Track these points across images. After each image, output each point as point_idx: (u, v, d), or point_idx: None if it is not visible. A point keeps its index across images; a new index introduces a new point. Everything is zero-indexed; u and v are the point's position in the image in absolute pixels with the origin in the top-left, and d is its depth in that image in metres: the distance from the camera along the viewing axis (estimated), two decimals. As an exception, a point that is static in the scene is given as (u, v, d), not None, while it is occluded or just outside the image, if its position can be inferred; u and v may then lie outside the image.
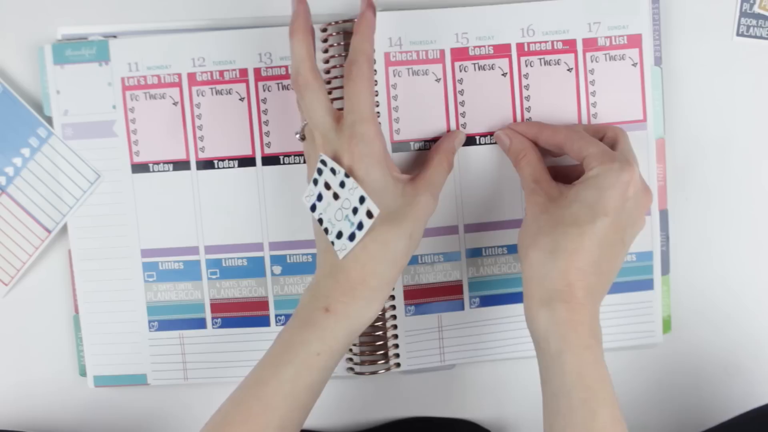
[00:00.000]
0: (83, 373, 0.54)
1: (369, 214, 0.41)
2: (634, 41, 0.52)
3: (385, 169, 0.43)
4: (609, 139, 0.48)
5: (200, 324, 0.53)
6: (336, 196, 0.42)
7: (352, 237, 0.41)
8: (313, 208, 0.43)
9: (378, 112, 0.51)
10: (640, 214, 0.44)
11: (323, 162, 0.42)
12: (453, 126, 0.52)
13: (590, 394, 0.40)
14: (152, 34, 0.52)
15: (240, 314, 0.53)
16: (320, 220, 0.43)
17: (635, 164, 0.44)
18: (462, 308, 0.53)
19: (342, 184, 0.41)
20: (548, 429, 0.42)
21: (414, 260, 0.52)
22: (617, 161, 0.43)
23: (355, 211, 0.41)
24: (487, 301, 0.53)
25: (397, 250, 0.43)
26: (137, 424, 0.56)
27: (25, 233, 0.53)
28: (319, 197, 0.43)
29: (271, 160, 0.52)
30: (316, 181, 0.43)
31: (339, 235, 0.42)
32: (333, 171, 0.42)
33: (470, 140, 0.52)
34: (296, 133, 0.47)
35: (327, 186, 0.42)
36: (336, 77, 0.51)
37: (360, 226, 0.41)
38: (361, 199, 0.41)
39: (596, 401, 0.40)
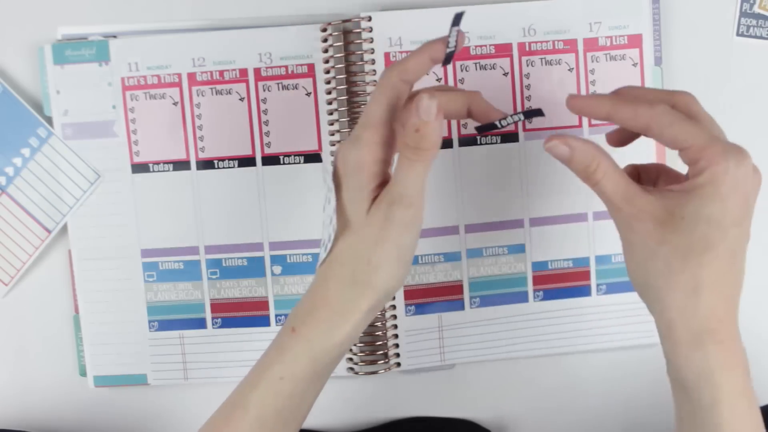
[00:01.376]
0: (83, 373, 0.54)
1: (335, 229, 0.38)
2: (635, 41, 0.52)
3: (364, 181, 0.37)
4: (681, 108, 0.38)
5: (200, 324, 0.53)
6: (329, 201, 0.39)
7: (326, 249, 0.38)
8: (324, 208, 0.41)
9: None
10: (755, 199, 0.37)
11: (328, 163, 0.41)
12: (454, 125, 0.52)
13: None
14: (152, 34, 0.52)
15: (240, 314, 0.53)
16: (323, 222, 0.41)
17: (742, 148, 0.36)
18: (462, 308, 0.53)
19: (330, 190, 0.39)
20: None
21: (414, 260, 0.52)
22: (730, 155, 0.34)
23: (330, 220, 0.38)
24: (487, 301, 0.53)
25: (356, 276, 0.37)
26: (137, 424, 0.55)
27: (25, 233, 0.53)
28: (328, 199, 0.40)
29: (271, 160, 0.52)
30: (325, 181, 0.40)
31: (321, 242, 0.39)
32: (332, 175, 0.40)
33: (471, 140, 0.52)
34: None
35: (329, 189, 0.40)
36: (335, 77, 0.51)
37: (329, 239, 0.38)
38: (334, 210, 0.38)
39: None
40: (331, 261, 0.38)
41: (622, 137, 0.42)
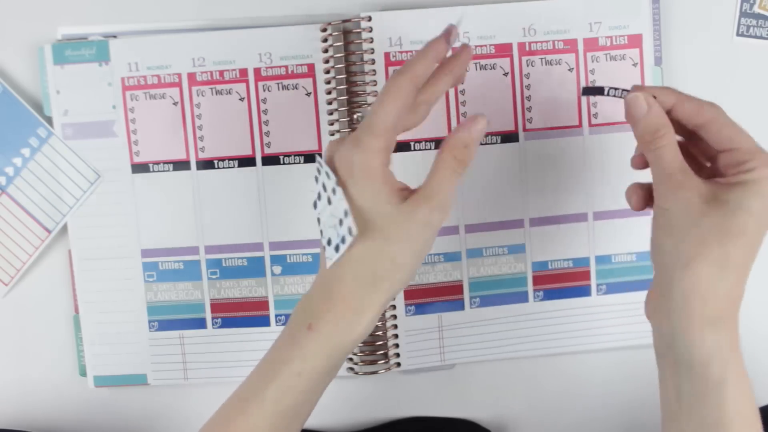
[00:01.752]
0: (83, 373, 0.54)
1: (350, 231, 0.37)
2: (635, 41, 0.52)
3: (379, 184, 0.38)
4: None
5: (200, 324, 0.53)
6: (329, 201, 0.39)
7: (337, 248, 0.38)
8: (315, 205, 0.41)
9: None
10: None
11: (320, 164, 0.40)
12: (455, 125, 0.52)
13: (747, 427, 0.37)
14: (152, 34, 0.52)
15: (240, 314, 0.53)
16: (318, 220, 0.41)
17: None
18: (462, 308, 0.53)
19: (334, 191, 0.39)
20: None
21: (414, 260, 0.52)
22: None
23: (340, 222, 0.38)
24: (488, 301, 0.53)
25: (378, 274, 0.38)
26: (137, 424, 0.55)
27: (25, 233, 0.53)
28: (319, 196, 0.40)
29: (271, 160, 0.52)
30: (316, 179, 0.40)
31: (329, 242, 0.39)
32: (327, 175, 0.39)
33: (470, 140, 0.52)
34: (359, 115, 0.44)
35: (324, 188, 0.40)
36: (335, 77, 0.51)
37: (343, 240, 0.38)
38: (345, 213, 0.38)
39: None
40: (349, 260, 0.39)
41: (645, 160, 0.42)
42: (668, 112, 0.40)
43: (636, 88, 0.40)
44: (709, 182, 0.39)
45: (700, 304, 0.37)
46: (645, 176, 0.42)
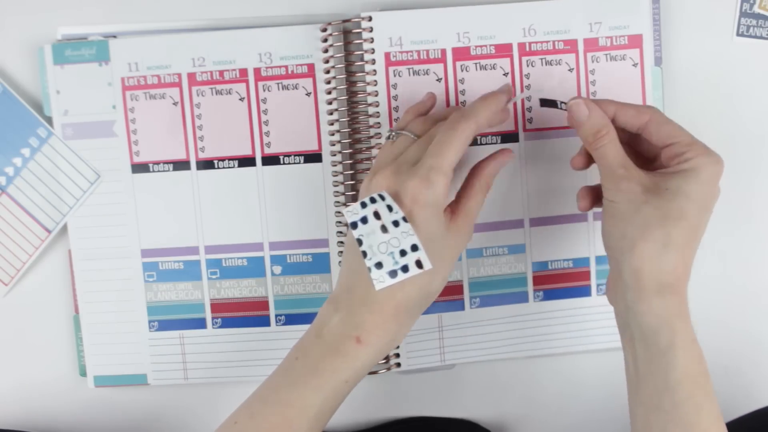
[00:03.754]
0: (83, 373, 0.54)
1: (419, 264, 0.40)
2: (635, 41, 0.52)
3: (443, 219, 0.43)
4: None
5: (200, 324, 0.53)
6: (384, 229, 0.41)
7: (393, 274, 0.41)
8: (354, 225, 0.42)
9: (378, 112, 0.51)
10: (715, 202, 0.44)
11: (381, 196, 0.42)
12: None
13: (696, 389, 0.40)
14: (152, 34, 0.52)
15: (240, 314, 0.53)
16: (359, 241, 0.42)
17: (719, 155, 0.43)
18: (462, 308, 0.53)
19: (396, 224, 0.41)
20: (643, 426, 0.41)
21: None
22: (711, 155, 0.42)
23: (403, 253, 0.41)
24: (487, 301, 0.53)
25: (431, 291, 0.43)
26: (137, 424, 0.56)
27: (25, 233, 0.53)
28: (364, 220, 0.42)
29: (271, 160, 0.52)
30: (364, 205, 0.42)
31: (378, 265, 0.41)
32: (389, 208, 0.41)
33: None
34: (389, 132, 0.47)
35: (377, 216, 0.41)
36: (335, 77, 0.51)
37: (405, 269, 0.41)
38: (414, 247, 0.41)
39: (702, 396, 0.40)
40: (409, 283, 0.41)
41: (586, 161, 0.47)
42: (612, 121, 0.44)
43: (580, 100, 0.45)
44: (651, 174, 0.43)
45: (647, 278, 0.41)
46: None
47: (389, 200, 0.41)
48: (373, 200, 0.42)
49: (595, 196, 0.48)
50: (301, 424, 0.41)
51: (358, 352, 0.42)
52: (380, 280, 0.41)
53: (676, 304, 0.41)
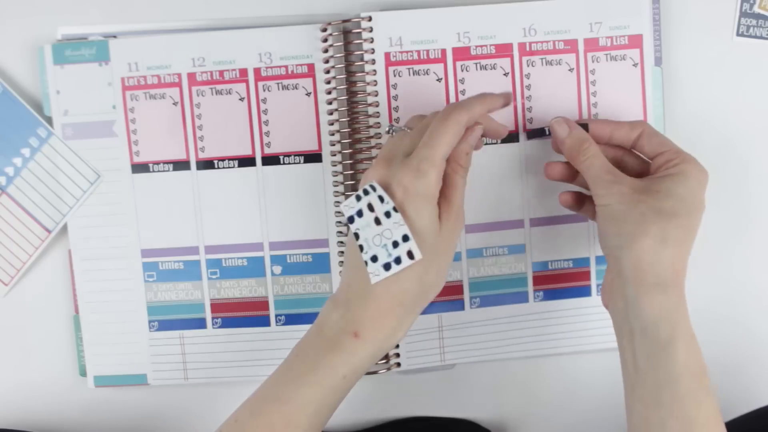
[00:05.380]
0: (83, 373, 0.54)
1: (410, 255, 0.40)
2: (635, 41, 0.52)
3: (434, 207, 0.42)
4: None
5: (200, 324, 0.53)
6: (378, 221, 0.41)
7: (387, 267, 0.41)
8: (351, 220, 0.42)
9: (378, 112, 0.51)
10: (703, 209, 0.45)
11: (372, 187, 0.42)
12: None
13: (697, 384, 0.40)
14: (152, 34, 0.52)
15: (240, 314, 0.53)
16: (356, 235, 0.42)
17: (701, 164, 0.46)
18: (462, 308, 0.53)
19: (387, 215, 0.41)
20: (640, 423, 0.41)
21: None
22: (697, 162, 0.45)
23: (395, 244, 0.41)
24: (487, 301, 0.53)
25: (427, 283, 0.43)
26: (137, 424, 0.56)
27: (25, 233, 0.53)
28: (360, 213, 0.42)
29: (271, 160, 0.52)
30: (359, 198, 0.42)
31: (374, 258, 0.41)
32: (381, 198, 0.41)
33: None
34: (388, 126, 0.47)
35: (370, 208, 0.42)
36: (335, 77, 0.51)
37: (398, 261, 0.41)
38: (405, 237, 0.41)
39: (702, 391, 0.40)
40: (404, 276, 0.41)
41: (569, 173, 0.49)
42: (609, 139, 0.47)
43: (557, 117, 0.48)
44: (640, 179, 0.45)
45: (648, 271, 0.41)
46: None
47: (380, 191, 0.42)
48: (366, 192, 0.42)
49: (578, 199, 0.50)
50: (300, 420, 0.41)
51: (355, 347, 0.42)
52: (375, 273, 0.41)
53: (675, 300, 0.41)
